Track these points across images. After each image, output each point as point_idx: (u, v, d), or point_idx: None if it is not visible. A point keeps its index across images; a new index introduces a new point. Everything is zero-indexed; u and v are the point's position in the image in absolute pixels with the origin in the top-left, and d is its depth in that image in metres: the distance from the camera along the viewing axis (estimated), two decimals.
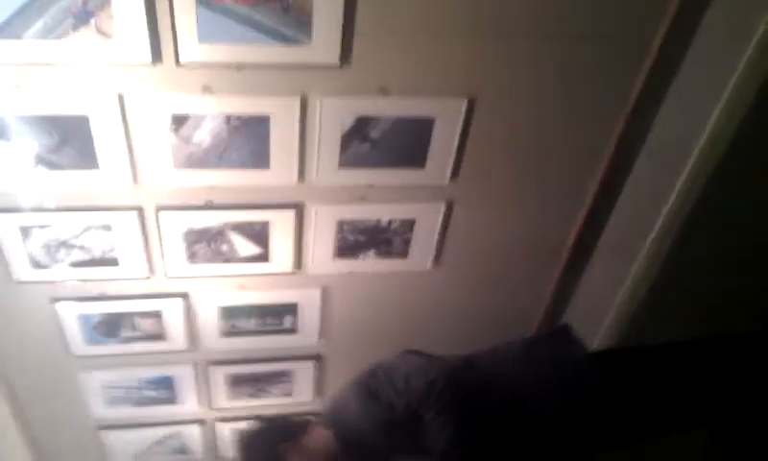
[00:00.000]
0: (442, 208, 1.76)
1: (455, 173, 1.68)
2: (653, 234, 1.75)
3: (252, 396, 2.19)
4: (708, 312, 1.87)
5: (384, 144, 1.59)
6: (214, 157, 1.53)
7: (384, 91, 1.50)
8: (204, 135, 1.49)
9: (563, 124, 1.65)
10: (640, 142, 1.70)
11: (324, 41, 1.38)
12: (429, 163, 1.65)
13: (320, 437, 1.53)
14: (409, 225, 1.79)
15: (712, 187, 1.65)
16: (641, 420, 1.66)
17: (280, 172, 1.59)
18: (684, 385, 1.69)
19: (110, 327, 1.87)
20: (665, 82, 1.60)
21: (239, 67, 1.40)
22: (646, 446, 1.82)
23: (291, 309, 1.95)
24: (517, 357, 1.66)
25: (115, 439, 2.25)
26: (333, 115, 1.52)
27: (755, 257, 2.01)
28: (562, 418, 1.57)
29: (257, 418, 1.72)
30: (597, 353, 1.78)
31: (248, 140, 1.52)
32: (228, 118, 1.47)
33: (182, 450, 2.35)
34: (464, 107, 1.55)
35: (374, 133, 1.57)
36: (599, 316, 1.95)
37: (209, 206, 1.64)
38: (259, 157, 1.55)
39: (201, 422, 2.27)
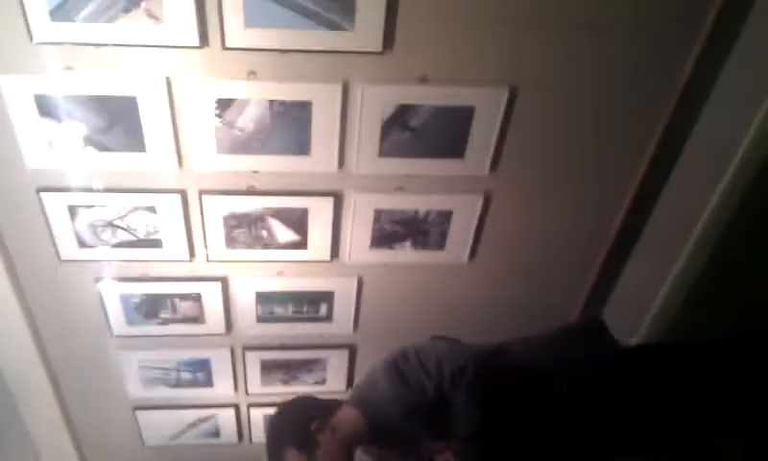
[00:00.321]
0: (480, 200, 1.75)
1: (494, 164, 1.67)
2: (698, 229, 1.71)
3: (285, 383, 2.22)
4: (752, 310, 1.82)
5: (424, 133, 1.59)
6: (257, 142, 1.55)
7: (425, 79, 1.50)
8: (247, 120, 1.52)
9: (605, 116, 1.63)
10: (686, 135, 1.66)
11: (367, 28, 1.39)
12: (468, 154, 1.65)
13: (349, 416, 1.54)
14: (446, 216, 1.78)
15: (760, 181, 1.61)
16: (669, 421, 1.62)
17: (321, 159, 1.61)
18: (715, 387, 1.64)
19: (150, 308, 1.91)
20: (712, 74, 1.56)
21: (283, 52, 1.42)
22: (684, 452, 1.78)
23: (327, 298, 1.96)
24: (548, 347, 1.64)
25: (151, 419, 2.30)
26: (374, 103, 1.53)
27: None
28: (590, 410, 1.55)
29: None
30: (627, 349, 1.76)
31: (290, 126, 1.54)
32: (272, 104, 1.49)
33: (216, 434, 2.39)
34: (505, 96, 1.54)
35: (414, 122, 1.57)
36: (640, 312, 1.92)
37: (251, 192, 1.66)
38: (301, 144, 1.57)
39: (235, 406, 2.30)
